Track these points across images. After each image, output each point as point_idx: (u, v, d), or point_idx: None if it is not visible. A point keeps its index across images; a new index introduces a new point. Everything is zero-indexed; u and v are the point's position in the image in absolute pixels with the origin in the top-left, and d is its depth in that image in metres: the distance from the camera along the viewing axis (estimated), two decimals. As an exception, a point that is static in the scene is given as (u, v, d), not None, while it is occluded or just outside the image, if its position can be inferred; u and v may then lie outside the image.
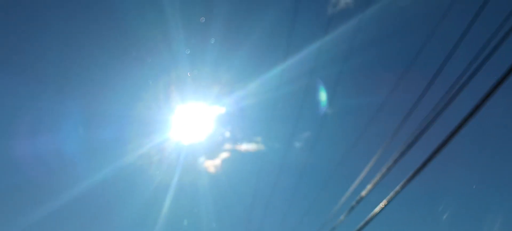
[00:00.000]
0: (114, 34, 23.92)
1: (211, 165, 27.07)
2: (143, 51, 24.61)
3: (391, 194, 4.09)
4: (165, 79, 24.55)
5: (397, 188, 4.01)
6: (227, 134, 26.84)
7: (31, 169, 24.68)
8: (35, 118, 23.48)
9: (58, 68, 24.80)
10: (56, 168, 25.83)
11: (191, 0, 22.30)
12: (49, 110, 24.56)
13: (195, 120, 23.83)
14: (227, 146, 26.60)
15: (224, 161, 26.53)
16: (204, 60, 23.43)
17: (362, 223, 5.15)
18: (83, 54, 24.57)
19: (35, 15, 23.09)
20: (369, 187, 5.44)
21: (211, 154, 27.75)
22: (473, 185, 21.46)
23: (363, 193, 5.27)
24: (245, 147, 26.20)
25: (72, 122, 24.71)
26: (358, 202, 5.80)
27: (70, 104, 25.38)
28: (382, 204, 4.40)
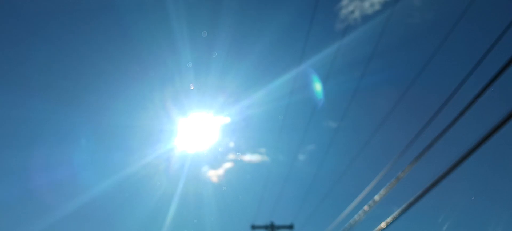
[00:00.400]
0: (121, 45, 24.18)
1: (215, 174, 27.12)
2: (148, 62, 24.84)
3: (389, 219, 4.14)
4: (170, 89, 24.70)
5: (396, 213, 4.05)
6: (232, 144, 26.90)
7: (41, 178, 24.92)
8: (44, 127, 23.75)
9: (67, 80, 25.07)
10: (65, 176, 26.04)
11: (197, 12, 22.49)
12: (58, 121, 24.80)
13: (200, 129, 23.95)
14: (231, 155, 26.65)
15: (228, 171, 26.56)
16: (209, 71, 23.60)
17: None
18: (91, 65, 24.82)
19: (42, 27, 23.39)
20: (371, 203, 5.48)
21: (216, 163, 27.80)
22: (472, 196, 21.38)
23: (363, 210, 5.31)
24: (249, 157, 26.25)
25: (80, 131, 24.96)
26: (359, 217, 5.84)
27: (78, 114, 25.63)
28: (383, 224, 4.44)
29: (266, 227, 15.83)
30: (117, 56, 25.36)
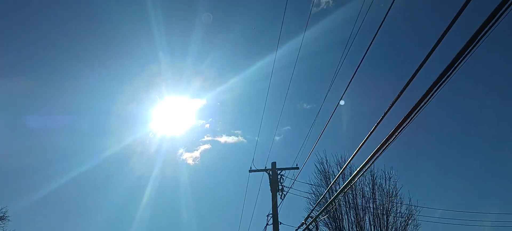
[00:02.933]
0: (97, 30, 23.76)
1: (192, 156, 27.32)
2: (125, 47, 24.54)
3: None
4: (147, 74, 24.54)
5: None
6: (207, 126, 27.10)
7: (20, 159, 24.45)
8: (21, 110, 23.19)
9: (45, 64, 24.46)
10: (44, 160, 25.57)
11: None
12: (35, 105, 24.24)
13: (177, 113, 24.03)
14: (208, 138, 26.94)
15: (205, 153, 26.83)
16: (185, 57, 23.60)
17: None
18: (67, 52, 24.30)
19: (22, 14, 22.61)
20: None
21: (192, 146, 28.01)
22: (462, 187, 22.42)
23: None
24: (225, 138, 26.59)
25: (58, 116, 24.51)
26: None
27: (55, 99, 25.09)
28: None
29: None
30: (93, 43, 24.90)
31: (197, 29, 21.50)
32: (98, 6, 22.24)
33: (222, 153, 26.94)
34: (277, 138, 25.20)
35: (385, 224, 13.12)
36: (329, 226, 13.55)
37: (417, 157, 25.00)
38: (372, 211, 13.37)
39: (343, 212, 13.54)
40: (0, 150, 22.92)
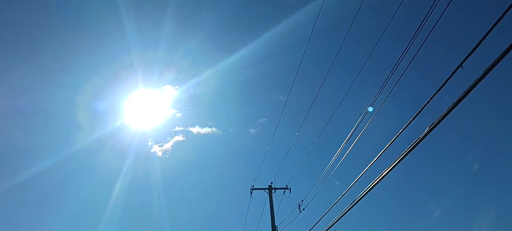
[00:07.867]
0: (65, 20, 22.42)
1: (164, 149, 26.59)
2: (96, 38, 23.34)
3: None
4: (118, 65, 23.53)
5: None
6: (181, 118, 26.45)
7: None
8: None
9: (9, 54, 22.95)
10: (12, 150, 24.13)
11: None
12: (7, 98, 22.74)
13: (149, 105, 23.20)
14: (180, 130, 26.28)
15: (177, 145, 26.19)
16: (157, 49, 22.75)
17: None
18: (35, 41, 22.85)
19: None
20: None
21: (163, 136, 27.27)
22: (461, 187, 22.61)
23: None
24: (197, 130, 26.03)
25: (28, 108, 23.11)
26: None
27: (20, 90, 23.64)
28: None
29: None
30: (63, 33, 23.57)
31: (169, 20, 20.78)
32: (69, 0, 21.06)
33: (194, 144, 26.42)
34: (252, 130, 25.01)
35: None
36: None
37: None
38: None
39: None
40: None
